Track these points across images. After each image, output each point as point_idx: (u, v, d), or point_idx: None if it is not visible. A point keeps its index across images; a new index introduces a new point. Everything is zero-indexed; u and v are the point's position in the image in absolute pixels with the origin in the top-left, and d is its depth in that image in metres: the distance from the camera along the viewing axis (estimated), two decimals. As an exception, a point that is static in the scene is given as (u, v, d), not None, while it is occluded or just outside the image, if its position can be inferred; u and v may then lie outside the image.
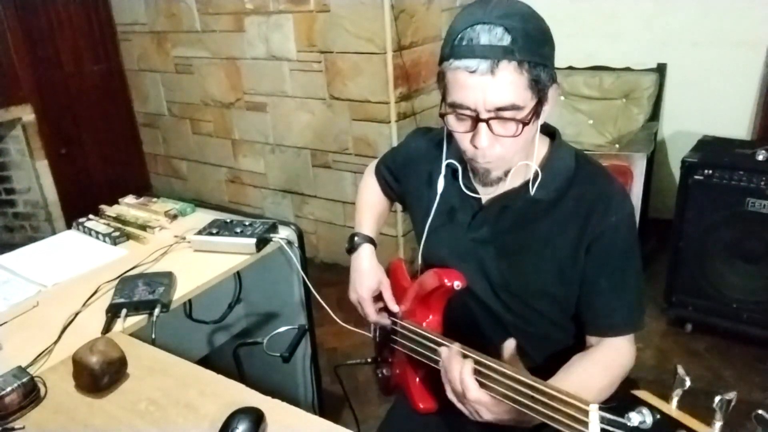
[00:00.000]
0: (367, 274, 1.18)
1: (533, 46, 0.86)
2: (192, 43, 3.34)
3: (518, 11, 0.87)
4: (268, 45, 2.99)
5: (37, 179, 3.37)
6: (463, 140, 0.94)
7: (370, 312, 1.17)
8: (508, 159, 0.95)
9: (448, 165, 1.06)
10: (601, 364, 0.99)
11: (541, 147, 1.02)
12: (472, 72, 0.85)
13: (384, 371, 1.24)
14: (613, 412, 0.69)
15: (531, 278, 1.02)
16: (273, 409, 0.96)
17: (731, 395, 0.63)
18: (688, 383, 0.66)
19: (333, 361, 2.34)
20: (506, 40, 0.84)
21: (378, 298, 1.19)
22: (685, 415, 0.65)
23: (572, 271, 1.00)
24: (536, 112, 0.91)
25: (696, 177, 2.17)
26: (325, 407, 1.88)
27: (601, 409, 0.70)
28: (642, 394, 0.68)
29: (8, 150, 3.33)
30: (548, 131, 1.05)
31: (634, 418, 0.67)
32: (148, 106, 3.81)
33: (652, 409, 0.66)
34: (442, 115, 0.95)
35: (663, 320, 2.43)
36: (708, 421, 0.63)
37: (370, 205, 1.32)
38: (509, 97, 0.86)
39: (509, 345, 0.93)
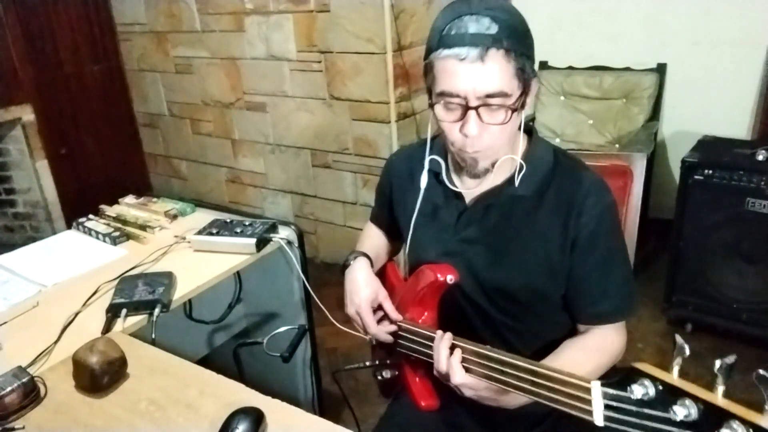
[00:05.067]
0: (363, 285, 1.12)
1: (518, 37, 0.89)
2: (192, 43, 3.34)
3: (500, 5, 0.90)
4: (268, 45, 2.99)
5: (37, 179, 3.36)
6: (452, 130, 0.95)
7: (370, 323, 1.10)
8: (496, 149, 0.97)
9: (431, 167, 1.07)
10: (588, 351, 1.01)
11: (521, 143, 1.05)
12: (462, 59, 0.88)
13: (383, 374, 1.24)
14: (615, 387, 0.69)
15: (519, 275, 1.02)
16: (273, 409, 0.96)
17: (731, 359, 0.62)
18: (687, 351, 0.66)
19: (333, 360, 2.34)
20: (494, 29, 0.87)
21: (376, 308, 1.16)
22: (687, 383, 0.65)
23: (560, 266, 1.01)
24: (522, 101, 0.94)
25: (696, 177, 2.17)
26: (325, 407, 1.88)
27: (603, 385, 0.71)
28: (643, 366, 0.68)
29: (8, 150, 3.33)
30: (526, 128, 1.07)
31: (637, 391, 0.66)
32: (148, 106, 3.81)
33: (654, 380, 0.66)
34: (431, 105, 0.96)
35: (663, 320, 2.43)
36: (710, 386, 0.63)
37: (367, 236, 1.32)
38: (498, 84, 0.89)
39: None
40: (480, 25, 0.87)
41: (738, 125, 2.76)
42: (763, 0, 2.57)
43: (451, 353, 0.92)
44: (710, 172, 2.14)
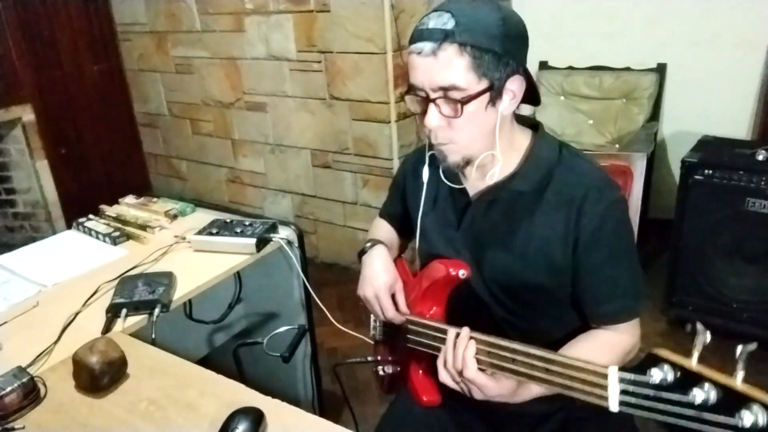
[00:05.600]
0: (382, 271, 1.14)
1: (482, 33, 0.89)
2: (192, 43, 3.34)
3: (475, 3, 0.92)
4: (268, 45, 2.99)
5: (37, 179, 3.36)
6: (422, 122, 0.98)
7: (388, 306, 1.11)
8: (463, 144, 0.98)
9: (433, 162, 1.08)
10: (601, 347, 1.00)
11: (524, 139, 1.05)
12: (419, 54, 0.91)
13: (384, 369, 1.24)
14: (634, 371, 0.69)
15: (520, 271, 1.03)
16: (273, 409, 0.96)
17: (753, 345, 0.63)
18: (708, 338, 0.66)
19: (333, 361, 2.33)
20: (450, 24, 0.89)
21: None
22: (706, 369, 0.65)
23: (562, 263, 1.00)
24: (490, 98, 0.94)
25: (696, 177, 2.17)
26: (325, 407, 1.88)
27: (620, 369, 0.71)
28: (662, 351, 0.68)
29: (8, 150, 3.33)
30: (531, 124, 1.08)
31: (656, 375, 0.66)
32: (148, 106, 3.81)
33: (674, 365, 0.66)
34: (404, 97, 1.01)
35: (663, 320, 2.43)
36: (730, 372, 0.63)
37: (379, 228, 1.33)
38: (449, 77, 0.91)
39: None
40: (438, 20, 0.90)
41: (738, 125, 2.76)
42: (763, 0, 2.57)
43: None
44: (710, 172, 2.14)
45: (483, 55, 0.90)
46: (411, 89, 0.96)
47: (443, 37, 0.89)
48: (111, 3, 3.61)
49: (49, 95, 3.38)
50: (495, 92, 0.94)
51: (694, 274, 2.27)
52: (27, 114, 3.26)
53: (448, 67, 0.90)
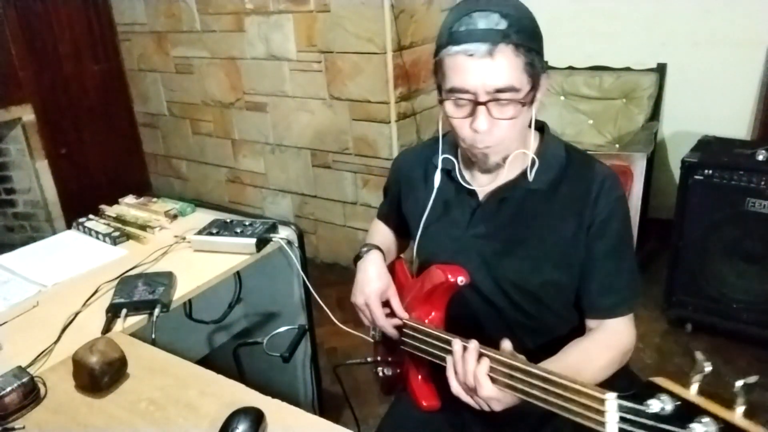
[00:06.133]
0: (375, 278, 1.13)
1: (527, 32, 0.90)
2: (192, 43, 3.34)
3: (508, 2, 0.91)
4: (268, 45, 2.99)
5: (37, 179, 3.36)
6: (462, 126, 0.96)
7: (379, 315, 1.11)
8: (507, 144, 0.98)
9: (443, 163, 1.07)
10: (601, 345, 1.01)
11: (533, 138, 1.06)
12: (471, 55, 0.89)
13: (384, 370, 1.24)
14: (632, 400, 0.68)
15: (536, 269, 1.03)
16: (273, 409, 0.96)
17: (753, 379, 0.61)
18: (708, 368, 0.65)
19: (333, 361, 2.34)
20: (503, 24, 0.88)
21: (384, 303, 1.16)
22: (705, 401, 0.64)
23: (574, 257, 1.02)
24: (532, 96, 0.94)
25: (696, 177, 2.17)
26: (325, 407, 1.88)
27: (619, 397, 0.70)
28: (661, 380, 0.67)
29: (8, 150, 3.33)
30: (537, 125, 1.08)
31: (654, 405, 0.65)
32: (148, 106, 3.81)
33: (672, 395, 0.65)
34: (441, 102, 0.97)
35: (663, 320, 2.43)
36: (729, 405, 0.62)
37: (377, 231, 1.33)
38: (507, 79, 0.90)
39: (506, 346, 0.93)
40: (489, 20, 0.88)
41: (738, 125, 2.76)
42: (763, 0, 2.57)
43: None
44: (710, 172, 2.14)
45: (532, 56, 0.90)
46: (452, 92, 0.93)
47: (500, 38, 0.87)
48: (111, 3, 3.61)
49: (49, 95, 3.38)
50: (534, 91, 0.94)
51: (694, 274, 2.27)
52: (27, 114, 3.26)
53: (505, 68, 0.89)
